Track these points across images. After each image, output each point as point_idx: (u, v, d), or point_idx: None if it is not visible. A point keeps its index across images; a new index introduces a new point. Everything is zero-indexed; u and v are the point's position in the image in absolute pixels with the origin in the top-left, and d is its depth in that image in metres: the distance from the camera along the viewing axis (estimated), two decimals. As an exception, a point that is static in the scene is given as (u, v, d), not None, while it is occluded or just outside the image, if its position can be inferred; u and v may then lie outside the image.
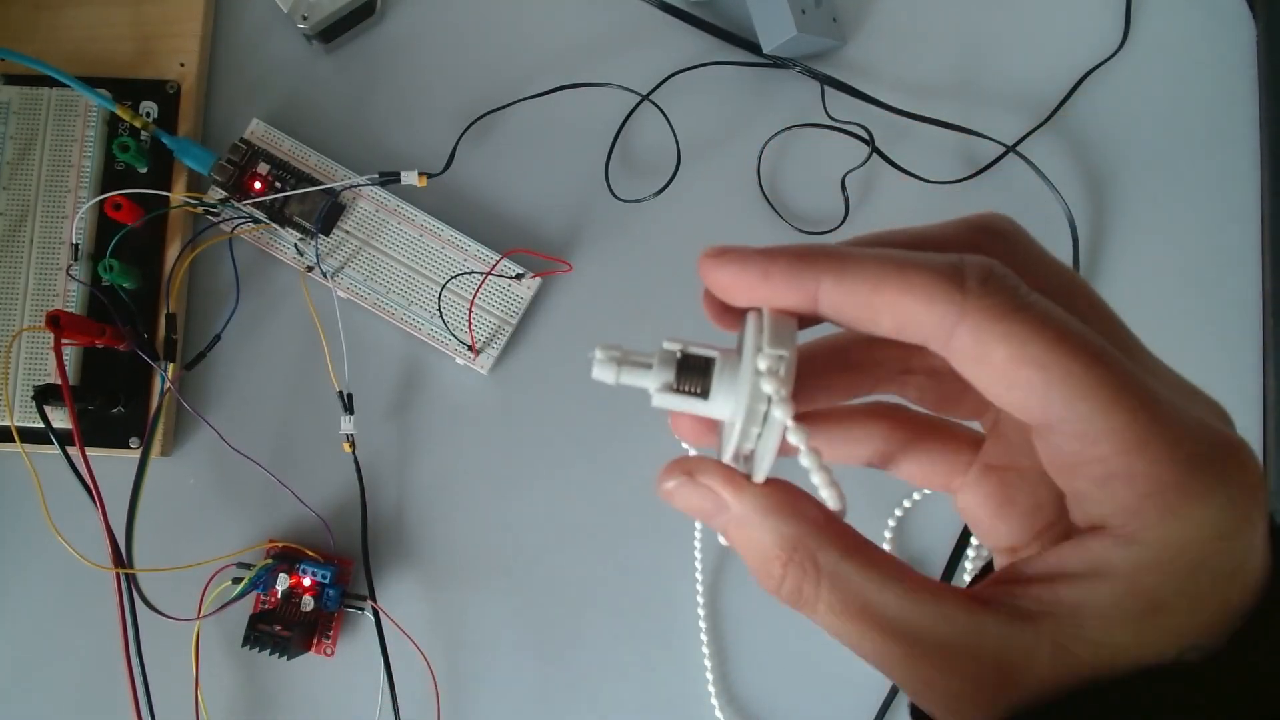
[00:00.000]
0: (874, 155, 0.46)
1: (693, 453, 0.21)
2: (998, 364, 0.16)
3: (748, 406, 0.17)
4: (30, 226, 0.44)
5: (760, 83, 0.49)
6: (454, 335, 0.44)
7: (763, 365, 0.17)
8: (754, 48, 0.48)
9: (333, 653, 0.43)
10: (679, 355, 0.18)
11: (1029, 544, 0.20)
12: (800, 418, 0.18)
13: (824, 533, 0.18)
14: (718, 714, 0.44)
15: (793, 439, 0.17)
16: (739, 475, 0.19)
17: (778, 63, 0.48)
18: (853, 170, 0.47)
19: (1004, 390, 0.16)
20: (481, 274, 0.45)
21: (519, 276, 0.45)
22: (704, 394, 0.18)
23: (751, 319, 0.18)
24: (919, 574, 0.18)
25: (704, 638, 0.44)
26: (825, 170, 0.48)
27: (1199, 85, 0.50)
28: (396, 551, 0.45)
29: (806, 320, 0.18)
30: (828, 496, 0.17)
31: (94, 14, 0.47)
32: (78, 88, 0.42)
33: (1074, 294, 0.18)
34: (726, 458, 0.19)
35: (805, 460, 0.17)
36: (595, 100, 0.47)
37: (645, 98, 0.47)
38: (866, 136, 0.46)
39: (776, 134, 0.48)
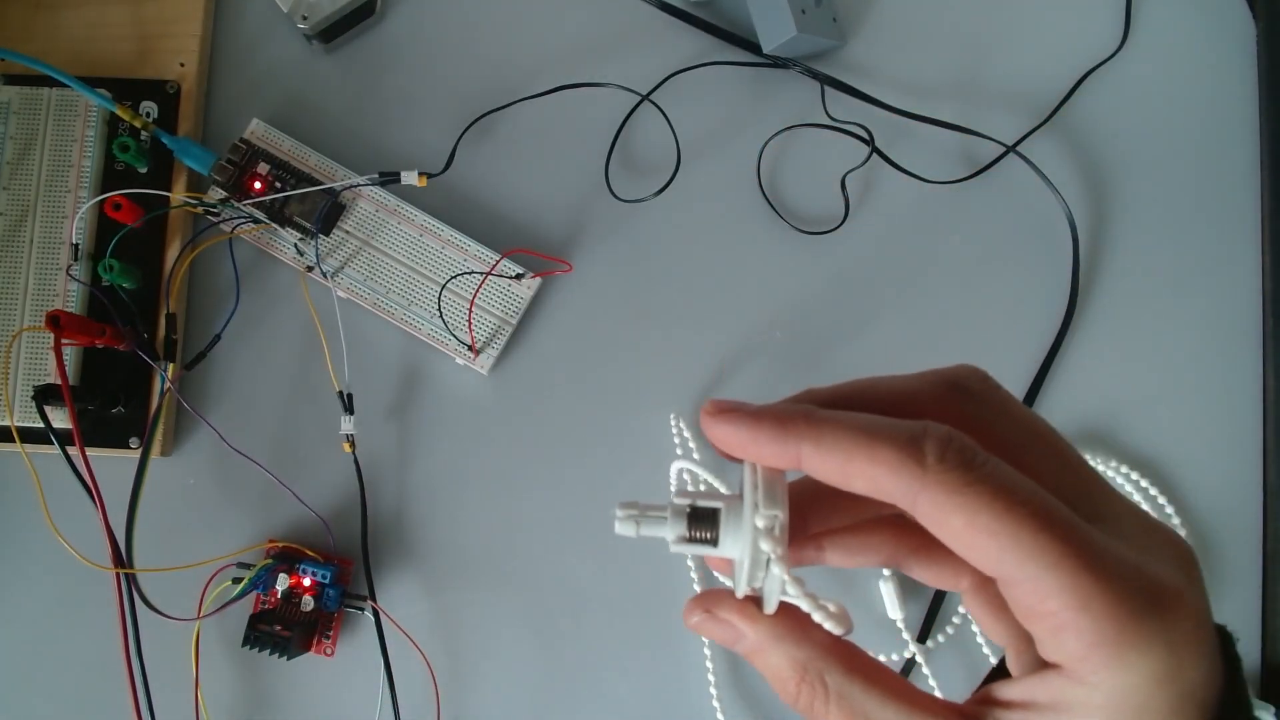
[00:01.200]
0: (874, 155, 0.46)
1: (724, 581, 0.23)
2: (955, 530, 0.18)
3: (751, 557, 0.20)
4: (30, 226, 0.44)
5: (760, 83, 0.49)
6: (454, 335, 0.44)
7: (760, 524, 0.19)
8: (754, 48, 0.48)
9: (333, 653, 0.43)
10: (688, 509, 0.21)
11: (1027, 645, 0.22)
12: (812, 538, 0.22)
13: (830, 655, 0.20)
14: (719, 714, 0.44)
15: (790, 590, 0.20)
16: (752, 607, 0.21)
17: (778, 63, 0.48)
18: (853, 170, 0.47)
19: (965, 550, 0.18)
20: (481, 274, 0.45)
21: (519, 276, 0.45)
22: (714, 542, 0.21)
23: (748, 470, 0.21)
24: (916, 690, 0.20)
25: (705, 638, 0.44)
26: (825, 170, 0.48)
27: (1199, 85, 0.50)
28: (396, 551, 0.45)
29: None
30: (830, 628, 0.20)
31: (94, 14, 0.47)
32: (77, 88, 0.42)
33: (1037, 443, 0.21)
34: (740, 593, 0.21)
35: (803, 605, 0.20)
36: (595, 100, 0.47)
37: (645, 98, 0.47)
38: (866, 136, 0.46)
39: (776, 134, 0.48)
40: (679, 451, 0.45)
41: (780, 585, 0.20)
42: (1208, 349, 0.47)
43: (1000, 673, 0.23)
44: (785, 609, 0.21)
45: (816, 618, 0.20)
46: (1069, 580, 0.17)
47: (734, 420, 0.20)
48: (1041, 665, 0.19)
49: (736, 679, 0.44)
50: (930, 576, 0.24)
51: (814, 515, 0.23)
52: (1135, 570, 0.18)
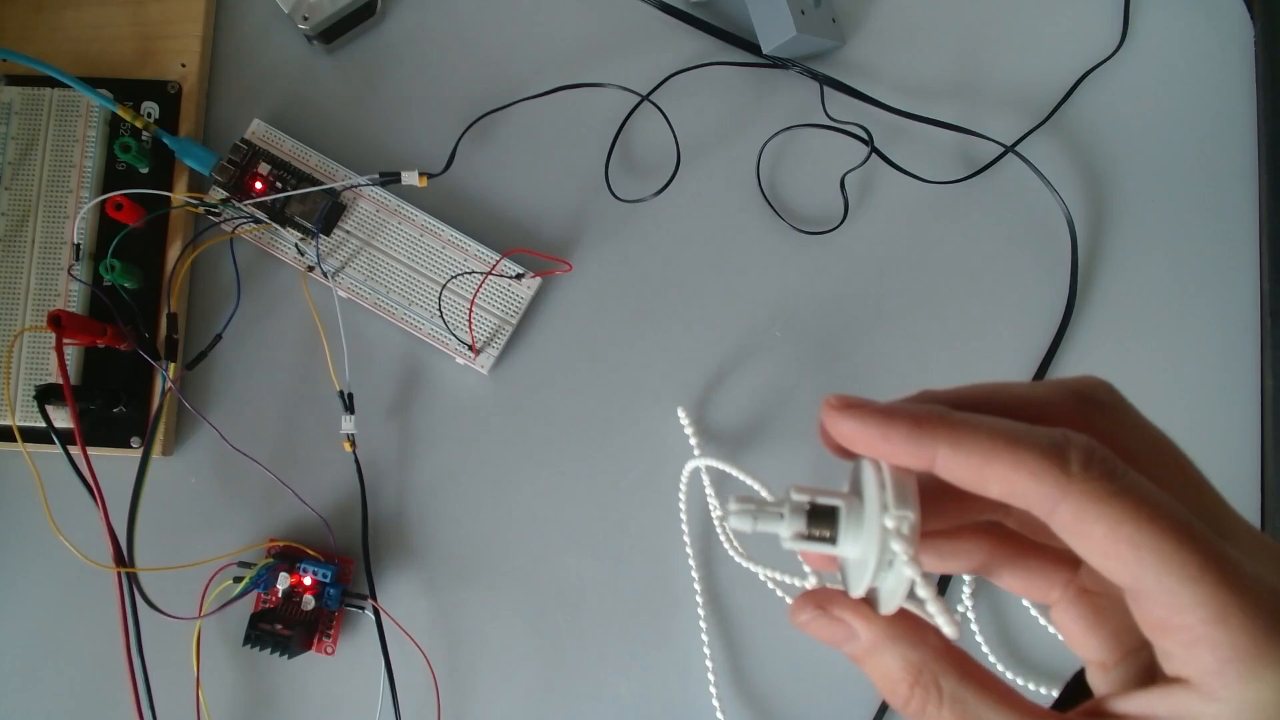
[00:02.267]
0: (873, 155, 0.47)
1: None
2: (1096, 539, 0.18)
3: (879, 557, 0.19)
4: (32, 226, 0.44)
5: (760, 83, 0.49)
6: (454, 335, 0.45)
7: (890, 524, 0.19)
8: (754, 48, 0.48)
9: (333, 652, 0.43)
10: (808, 506, 0.21)
11: (1118, 662, 0.22)
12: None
13: (945, 659, 0.20)
14: (718, 713, 0.44)
15: (920, 593, 0.19)
16: (866, 607, 0.21)
17: (777, 63, 0.48)
18: (852, 170, 0.47)
19: (1101, 560, 0.18)
20: (482, 274, 0.45)
21: (519, 276, 0.45)
22: (832, 540, 0.20)
23: (870, 468, 0.20)
24: (1026, 700, 0.20)
25: (704, 637, 0.44)
26: (824, 170, 0.48)
27: (1197, 86, 0.50)
28: (397, 550, 0.45)
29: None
30: (949, 631, 0.20)
31: (95, 15, 0.47)
32: (79, 88, 0.42)
33: (1165, 459, 0.20)
34: (857, 593, 0.21)
35: (930, 606, 0.20)
36: (595, 100, 0.47)
37: (645, 98, 0.47)
38: (865, 137, 0.46)
39: (776, 134, 0.48)
40: (695, 449, 0.45)
41: (907, 587, 0.19)
42: (1206, 348, 0.48)
43: (1078, 689, 0.23)
44: (897, 614, 0.21)
45: (940, 620, 0.19)
46: (1208, 593, 0.17)
47: (863, 416, 0.20)
48: (1152, 679, 0.19)
49: (736, 678, 0.45)
50: (1021, 586, 0.24)
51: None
52: (1270, 588, 0.18)
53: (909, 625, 0.21)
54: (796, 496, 0.21)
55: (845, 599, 0.21)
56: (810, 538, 0.20)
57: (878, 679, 0.21)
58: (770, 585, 0.45)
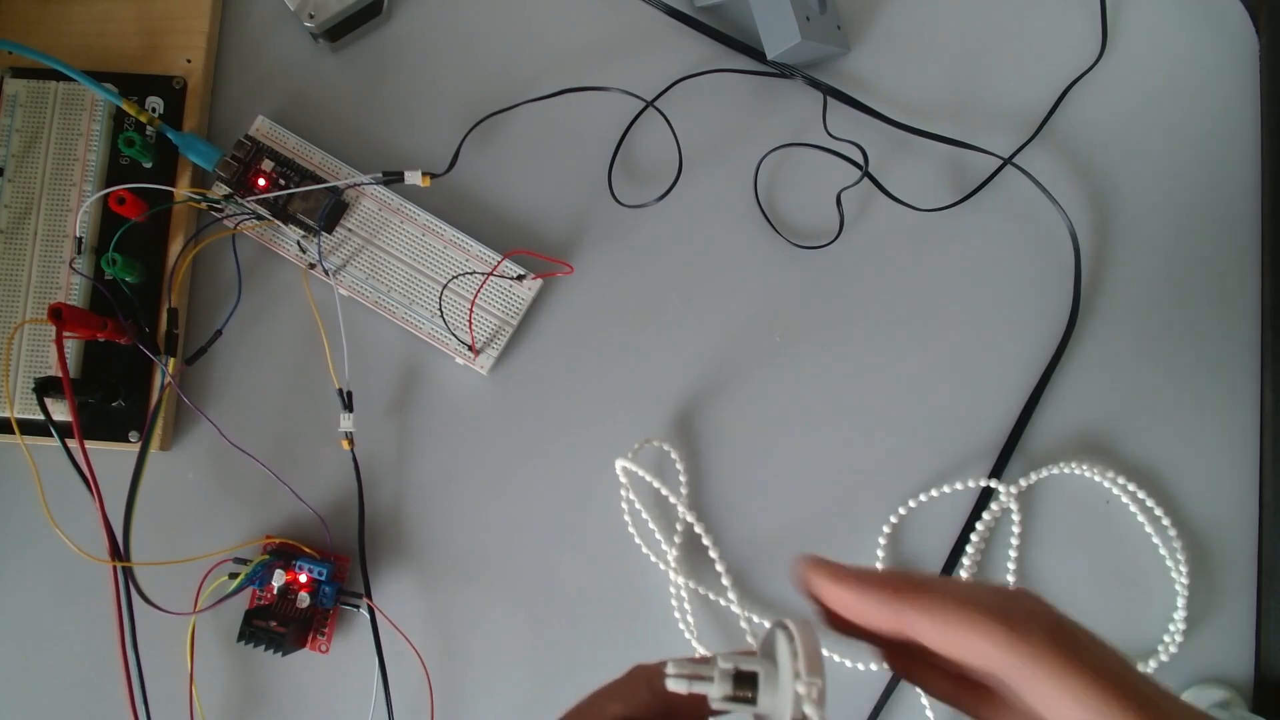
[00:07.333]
0: (867, 179, 0.46)
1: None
2: (1043, 694, 0.22)
3: (793, 717, 0.23)
4: (35, 219, 0.44)
5: (764, 91, 0.49)
6: (454, 335, 0.45)
7: (802, 690, 0.22)
8: (759, 54, 0.48)
9: (327, 649, 0.43)
10: (734, 672, 0.24)
11: None
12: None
13: None
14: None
15: None
16: None
17: (783, 72, 0.48)
18: (848, 188, 0.47)
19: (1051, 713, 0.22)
20: (483, 274, 0.45)
21: (520, 278, 0.45)
22: (753, 701, 0.24)
23: (783, 637, 0.24)
24: None
25: (695, 644, 0.44)
26: (822, 185, 0.48)
27: (1199, 98, 0.50)
28: (393, 549, 0.45)
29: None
30: None
31: (101, 9, 0.47)
32: (84, 82, 0.43)
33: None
34: None
35: None
36: (599, 104, 0.47)
37: (650, 104, 0.47)
38: (860, 162, 0.46)
39: (771, 150, 0.48)
40: (625, 498, 0.45)
41: None
42: (1207, 361, 0.47)
43: None
44: None
45: None
46: None
47: (842, 580, 0.25)
48: None
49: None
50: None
51: None
52: None
53: None
54: (723, 664, 0.24)
55: None
56: (735, 699, 0.24)
57: None
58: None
